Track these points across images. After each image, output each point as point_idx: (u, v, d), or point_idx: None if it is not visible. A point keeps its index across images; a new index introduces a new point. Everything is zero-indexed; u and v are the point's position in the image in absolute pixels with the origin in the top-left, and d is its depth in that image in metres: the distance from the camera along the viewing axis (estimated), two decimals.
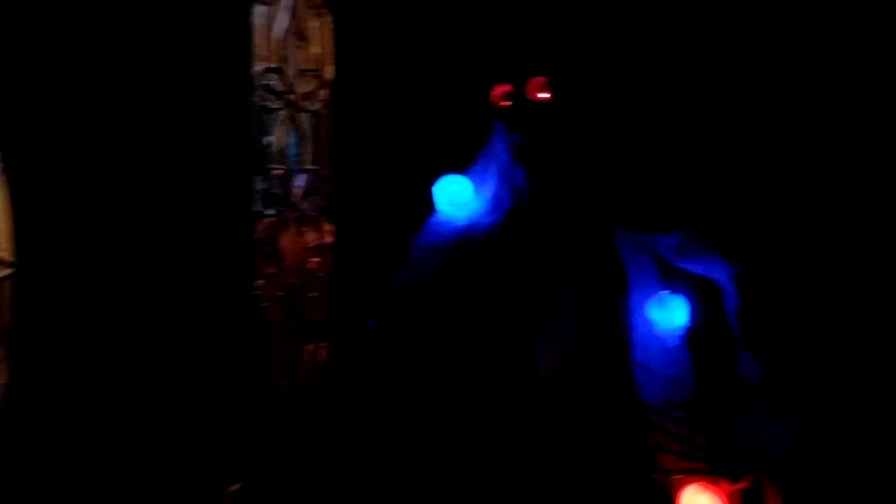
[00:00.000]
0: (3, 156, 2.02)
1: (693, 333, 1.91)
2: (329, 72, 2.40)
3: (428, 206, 2.12)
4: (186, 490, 2.18)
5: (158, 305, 2.25)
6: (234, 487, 2.13)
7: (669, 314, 1.91)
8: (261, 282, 2.36)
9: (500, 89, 1.91)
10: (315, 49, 2.39)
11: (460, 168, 2.07)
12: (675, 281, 1.90)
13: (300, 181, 2.39)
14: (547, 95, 1.91)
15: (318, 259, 2.45)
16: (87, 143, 2.16)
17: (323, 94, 2.40)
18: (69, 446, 2.14)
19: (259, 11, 2.34)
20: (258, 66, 2.33)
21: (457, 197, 2.05)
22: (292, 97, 2.36)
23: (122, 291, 2.23)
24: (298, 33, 2.38)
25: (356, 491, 1.93)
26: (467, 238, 1.95)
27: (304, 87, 2.37)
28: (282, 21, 2.35)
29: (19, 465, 2.10)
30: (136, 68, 2.22)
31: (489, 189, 2.00)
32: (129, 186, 2.20)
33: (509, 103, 1.92)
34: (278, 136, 2.35)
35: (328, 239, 2.45)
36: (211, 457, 2.27)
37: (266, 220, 2.37)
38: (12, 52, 2.09)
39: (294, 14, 2.37)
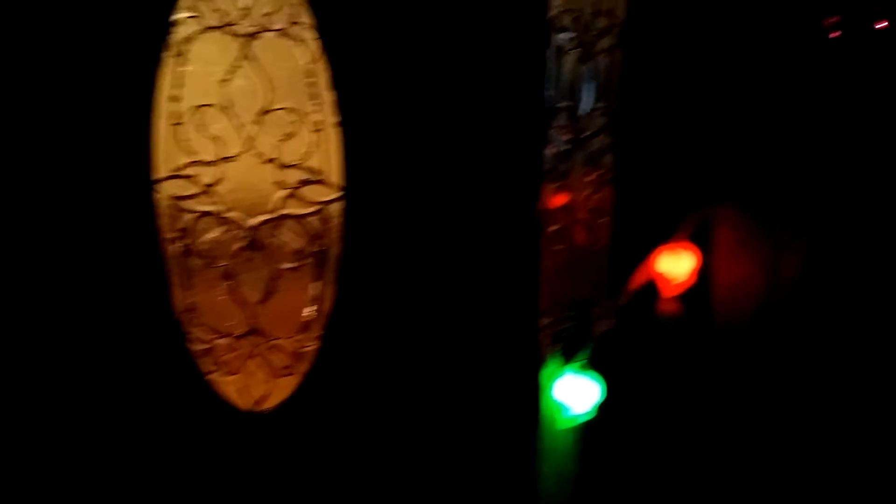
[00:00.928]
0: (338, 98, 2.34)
1: None
2: (621, 11, 2.49)
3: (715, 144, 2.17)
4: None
5: (455, 225, 2.48)
6: None
7: None
8: (544, 210, 2.54)
9: (831, 19, 1.86)
10: None
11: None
12: None
13: (589, 117, 2.52)
14: (884, 24, 1.84)
15: (600, 193, 2.58)
16: (409, 78, 2.40)
17: (614, 33, 2.49)
18: (388, 369, 2.46)
19: None
20: (555, 9, 2.47)
21: None
22: (585, 37, 2.47)
23: (426, 213, 2.47)
24: None
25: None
26: None
27: (596, 26, 2.48)
28: None
29: (344, 387, 2.46)
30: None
31: None
32: (438, 116, 2.42)
33: (839, 33, 1.87)
34: (571, 74, 2.49)
35: (611, 174, 2.58)
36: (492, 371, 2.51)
37: (554, 150, 2.53)
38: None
39: None
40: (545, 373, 2.44)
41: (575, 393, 2.39)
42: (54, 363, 2.39)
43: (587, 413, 2.40)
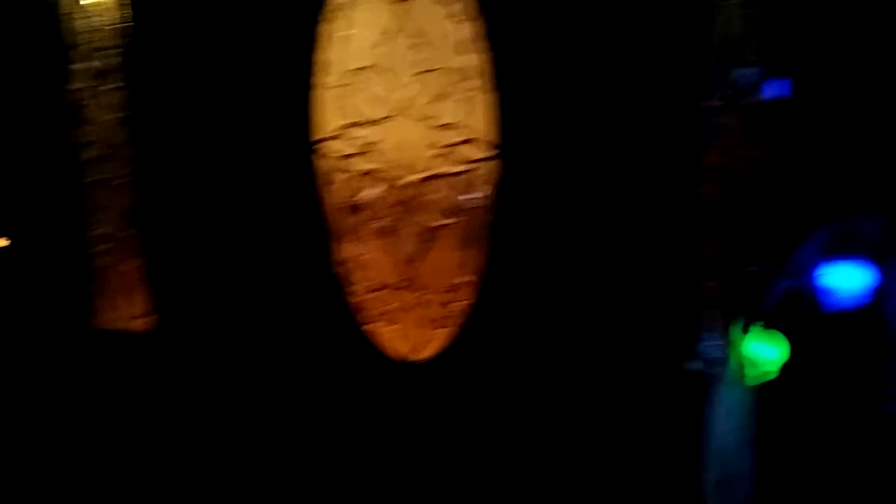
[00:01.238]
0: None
1: None
2: None
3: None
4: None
5: (609, 184, 2.47)
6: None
7: None
8: (700, 169, 2.47)
9: None
10: None
11: None
12: None
13: (746, 73, 2.42)
14: None
15: (758, 150, 2.48)
16: (564, 38, 2.41)
17: None
18: (540, 326, 2.51)
19: None
20: None
21: None
22: None
23: (579, 173, 2.47)
24: None
25: None
26: None
27: None
28: None
29: (497, 340, 2.53)
30: None
31: None
32: (592, 74, 2.42)
33: None
34: (726, 30, 2.40)
35: (765, 130, 2.47)
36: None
37: (712, 105, 2.45)
38: None
39: None
40: (733, 331, 2.41)
41: (762, 351, 2.35)
42: (228, 312, 2.60)
43: (773, 371, 2.36)
